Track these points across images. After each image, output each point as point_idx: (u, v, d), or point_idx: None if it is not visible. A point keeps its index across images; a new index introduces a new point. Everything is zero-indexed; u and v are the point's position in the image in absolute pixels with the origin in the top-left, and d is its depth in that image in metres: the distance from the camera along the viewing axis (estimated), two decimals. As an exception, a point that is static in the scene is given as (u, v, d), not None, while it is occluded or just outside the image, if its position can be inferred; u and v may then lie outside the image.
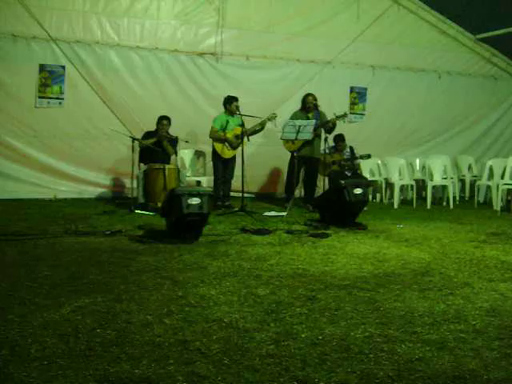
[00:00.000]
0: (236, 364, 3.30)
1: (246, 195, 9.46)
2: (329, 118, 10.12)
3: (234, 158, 10.16)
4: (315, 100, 10.20)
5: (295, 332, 3.85)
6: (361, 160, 11.24)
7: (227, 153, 10.03)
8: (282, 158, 10.74)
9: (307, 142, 9.99)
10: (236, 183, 10.05)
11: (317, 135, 10.15)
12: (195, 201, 6.83)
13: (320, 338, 3.76)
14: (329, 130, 10.15)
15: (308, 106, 10.22)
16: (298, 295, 4.73)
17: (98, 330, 3.79)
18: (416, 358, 3.46)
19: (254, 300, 4.56)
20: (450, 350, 3.59)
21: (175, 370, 3.21)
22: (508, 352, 3.57)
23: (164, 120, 9.90)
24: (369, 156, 11.05)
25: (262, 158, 11.16)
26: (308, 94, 10.30)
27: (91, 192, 10.86)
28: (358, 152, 11.14)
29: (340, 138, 11.00)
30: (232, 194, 10.27)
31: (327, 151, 10.23)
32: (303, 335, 3.79)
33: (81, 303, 4.33)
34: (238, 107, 9.68)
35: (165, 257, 6.07)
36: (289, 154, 10.22)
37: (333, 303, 4.52)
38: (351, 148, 11.19)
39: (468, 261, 6.29)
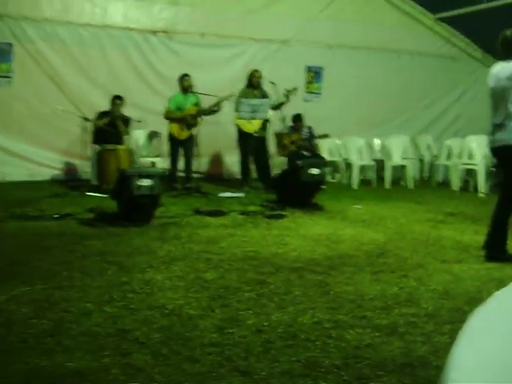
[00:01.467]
0: (175, 354, 3.14)
1: (198, 175, 9.23)
2: (276, 97, 9.88)
3: (191, 137, 9.84)
4: (260, 77, 9.97)
5: (241, 318, 3.69)
6: (319, 140, 11.11)
7: (183, 134, 9.77)
8: (227, 138, 10.49)
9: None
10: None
11: None
12: (146, 182, 6.64)
13: (266, 324, 3.61)
14: (276, 107, 9.94)
15: (254, 82, 9.97)
16: (248, 279, 4.57)
17: (34, 320, 3.59)
18: (364, 344, 3.34)
19: (200, 285, 4.39)
20: (400, 336, 3.47)
21: (110, 362, 3.04)
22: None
23: (117, 99, 9.62)
24: (327, 136, 10.92)
25: (207, 138, 10.68)
26: (255, 70, 10.02)
27: (43, 174, 10.41)
28: (317, 132, 11.01)
29: (298, 118, 10.83)
30: (181, 174, 10.00)
31: (286, 131, 10.05)
32: (249, 322, 3.64)
33: (18, 291, 4.10)
34: (191, 85, 9.35)
35: (114, 240, 5.86)
36: (234, 134, 10.02)
37: (282, 287, 4.37)
38: (309, 128, 11.03)
39: (424, 241, 6.21)
